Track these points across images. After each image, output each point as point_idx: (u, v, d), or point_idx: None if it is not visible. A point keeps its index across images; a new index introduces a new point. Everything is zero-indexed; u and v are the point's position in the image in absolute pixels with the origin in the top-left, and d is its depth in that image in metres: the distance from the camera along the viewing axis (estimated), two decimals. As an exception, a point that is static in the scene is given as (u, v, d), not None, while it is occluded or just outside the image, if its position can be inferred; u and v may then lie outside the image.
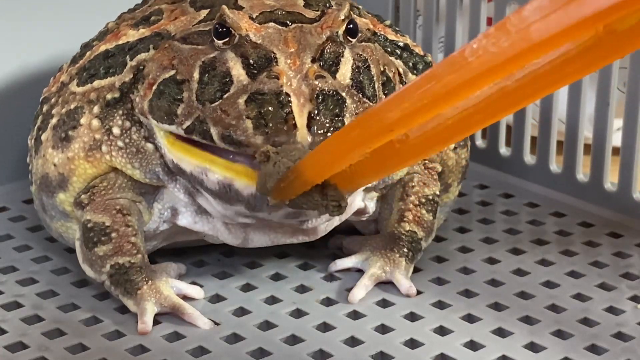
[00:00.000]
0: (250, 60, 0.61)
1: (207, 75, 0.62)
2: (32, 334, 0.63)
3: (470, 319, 0.64)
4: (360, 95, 0.62)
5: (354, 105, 0.61)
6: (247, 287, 0.68)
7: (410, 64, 0.71)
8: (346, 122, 0.60)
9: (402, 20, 0.89)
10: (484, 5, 0.82)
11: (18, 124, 0.80)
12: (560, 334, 0.63)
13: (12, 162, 0.83)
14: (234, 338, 0.63)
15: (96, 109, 0.67)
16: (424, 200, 0.69)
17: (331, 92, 0.60)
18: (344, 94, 0.61)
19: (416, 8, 0.89)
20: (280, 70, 0.60)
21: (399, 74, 0.68)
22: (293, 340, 0.62)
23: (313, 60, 0.61)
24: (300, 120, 0.59)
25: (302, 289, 0.68)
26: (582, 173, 0.80)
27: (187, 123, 0.62)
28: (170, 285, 0.66)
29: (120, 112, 0.66)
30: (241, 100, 0.60)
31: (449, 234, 0.75)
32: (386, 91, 0.64)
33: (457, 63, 0.43)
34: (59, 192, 0.68)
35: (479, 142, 0.86)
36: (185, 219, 0.67)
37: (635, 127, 0.74)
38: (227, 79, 0.61)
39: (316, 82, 0.60)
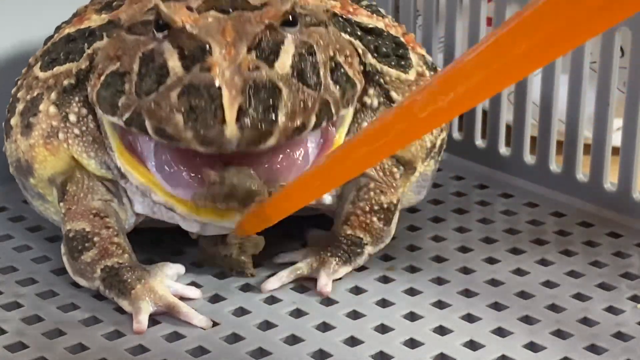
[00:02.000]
0: (186, 52, 0.60)
1: (145, 67, 0.62)
2: (31, 334, 0.63)
3: (470, 318, 0.64)
4: (301, 84, 0.61)
5: (292, 95, 0.60)
6: (246, 287, 0.68)
7: (372, 46, 0.69)
8: (280, 113, 0.59)
9: (402, 20, 0.89)
10: (484, 5, 0.82)
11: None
12: (560, 334, 0.63)
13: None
14: (234, 338, 0.63)
15: (54, 95, 0.68)
16: (376, 207, 0.69)
17: (265, 83, 0.59)
18: (280, 84, 0.60)
19: (416, 8, 0.89)
20: (213, 61, 0.59)
21: (358, 55, 0.67)
22: (293, 340, 0.62)
23: (249, 50, 0.60)
24: (230, 113, 0.58)
25: (301, 289, 0.68)
26: (582, 173, 0.80)
27: (127, 115, 0.62)
28: (166, 285, 0.66)
29: (77, 98, 0.67)
30: (174, 93, 0.59)
31: (448, 233, 0.75)
32: (336, 76, 0.64)
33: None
34: (29, 176, 0.69)
35: (479, 142, 0.86)
36: (144, 209, 0.67)
37: (635, 127, 0.74)
38: (164, 71, 0.60)
39: (249, 74, 0.59)
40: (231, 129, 0.58)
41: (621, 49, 0.78)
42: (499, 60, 0.44)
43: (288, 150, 0.64)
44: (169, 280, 0.66)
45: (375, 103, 0.69)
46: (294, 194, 0.60)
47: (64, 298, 0.67)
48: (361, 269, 0.70)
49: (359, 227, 0.68)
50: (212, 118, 0.58)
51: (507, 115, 0.84)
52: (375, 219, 0.69)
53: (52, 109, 0.67)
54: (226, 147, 0.59)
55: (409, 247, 0.73)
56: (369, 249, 0.69)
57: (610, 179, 0.78)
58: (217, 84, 0.59)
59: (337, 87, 0.63)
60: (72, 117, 0.67)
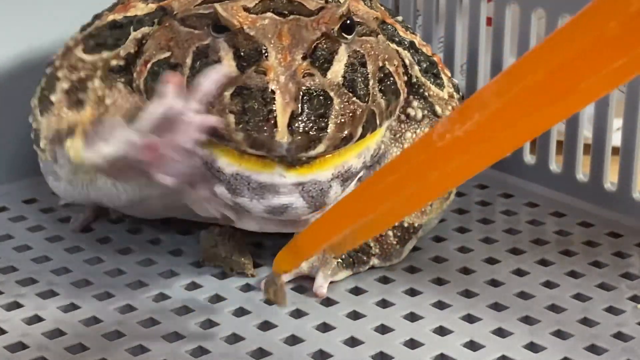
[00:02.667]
0: (242, 53, 0.60)
1: (199, 62, 0.62)
2: (32, 334, 0.63)
3: (470, 319, 0.64)
4: (351, 94, 0.61)
5: (342, 105, 0.60)
6: (247, 287, 0.68)
7: (415, 58, 0.69)
8: (330, 121, 0.59)
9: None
10: (484, 5, 0.82)
11: (17, 125, 0.80)
12: (560, 334, 0.63)
13: (11, 162, 0.83)
14: (234, 338, 0.63)
15: (100, 73, 0.68)
16: (397, 224, 0.69)
17: (318, 91, 0.59)
18: (332, 94, 0.60)
19: (416, 8, 0.89)
20: (268, 65, 0.59)
21: (404, 66, 0.67)
22: (293, 340, 0.62)
23: (304, 57, 0.60)
24: (282, 119, 0.58)
25: (301, 290, 0.68)
26: (582, 173, 0.80)
27: None
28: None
29: (123, 80, 0.67)
30: (227, 93, 0.59)
31: (449, 234, 0.75)
32: (383, 87, 0.63)
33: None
34: (67, 139, 0.67)
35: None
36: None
37: (635, 127, 0.74)
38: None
39: (304, 80, 0.59)
40: (282, 135, 0.58)
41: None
42: (515, 88, 0.43)
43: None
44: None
45: (420, 115, 0.68)
46: (325, 226, 0.56)
47: (64, 298, 0.67)
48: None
49: (372, 237, 0.69)
50: (265, 121, 0.58)
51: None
52: (390, 233, 0.69)
53: (98, 83, 0.68)
54: (275, 150, 0.59)
55: (409, 247, 0.73)
56: (374, 261, 0.69)
57: (610, 179, 0.78)
58: (271, 88, 0.59)
59: (384, 98, 0.63)
60: (115, 92, 0.67)
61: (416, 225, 0.70)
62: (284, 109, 0.58)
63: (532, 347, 0.62)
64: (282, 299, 0.61)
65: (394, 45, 0.68)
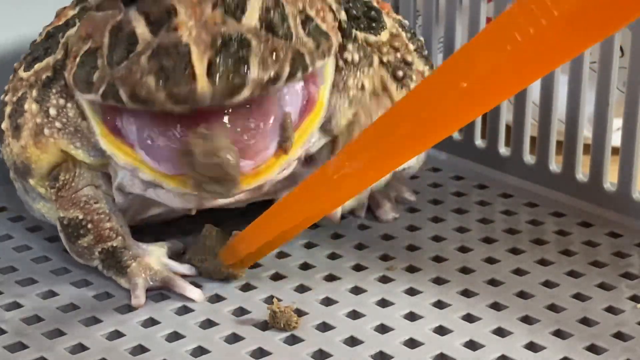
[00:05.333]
0: (152, 17, 0.60)
1: (115, 38, 0.62)
2: (31, 334, 0.63)
3: (469, 318, 0.64)
4: (271, 35, 0.61)
5: (262, 46, 0.60)
6: (246, 287, 0.68)
7: (343, 5, 0.69)
8: (251, 64, 0.59)
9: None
10: (484, 5, 0.82)
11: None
12: (559, 334, 0.63)
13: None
14: (234, 338, 0.63)
15: (35, 92, 0.68)
16: None
17: (233, 36, 0.59)
18: (249, 36, 0.60)
19: (416, 8, 0.89)
20: (179, 21, 0.59)
21: (332, 11, 0.67)
22: (292, 340, 0.62)
23: (214, 7, 0.60)
24: (200, 68, 0.58)
25: (301, 289, 0.68)
26: (582, 173, 0.80)
27: (102, 89, 0.61)
28: (161, 262, 0.68)
29: (54, 90, 0.67)
30: (144, 57, 0.59)
31: (448, 233, 0.75)
32: (307, 28, 0.63)
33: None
34: (28, 178, 0.70)
35: (479, 142, 0.86)
36: (135, 188, 0.68)
37: (635, 127, 0.74)
38: (133, 39, 0.61)
39: (216, 28, 0.59)
40: (202, 84, 0.58)
41: (621, 49, 0.78)
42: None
43: (265, 111, 0.63)
44: (165, 258, 0.69)
45: (357, 57, 0.69)
46: (253, 234, 0.65)
47: (64, 298, 0.67)
48: (360, 268, 0.70)
49: None
50: (183, 75, 0.58)
51: (506, 115, 0.84)
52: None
53: (35, 107, 0.68)
54: (199, 102, 0.58)
55: (409, 247, 0.73)
56: None
57: (610, 179, 0.78)
58: (184, 42, 0.59)
59: (311, 39, 0.63)
60: (52, 111, 0.67)
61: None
62: (200, 59, 0.58)
63: (532, 346, 0.61)
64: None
65: None
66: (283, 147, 0.63)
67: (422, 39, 0.75)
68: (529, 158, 0.83)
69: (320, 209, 0.62)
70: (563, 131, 0.80)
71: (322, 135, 0.69)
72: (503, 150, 0.84)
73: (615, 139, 0.77)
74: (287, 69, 0.61)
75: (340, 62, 0.68)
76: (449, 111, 0.51)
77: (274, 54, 0.60)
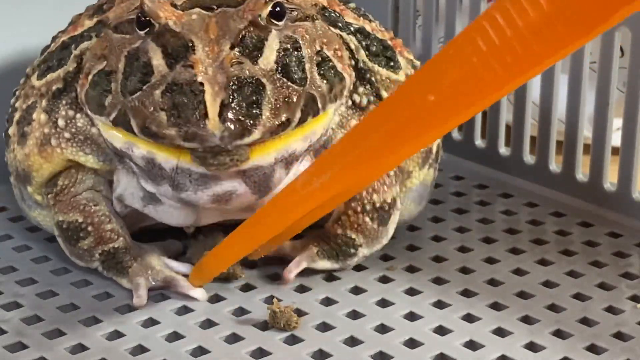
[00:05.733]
0: (169, 50, 0.60)
1: (130, 65, 0.62)
2: (31, 334, 0.63)
3: (469, 318, 0.64)
4: (285, 80, 0.61)
5: (276, 91, 0.60)
6: (246, 287, 0.68)
7: (363, 43, 0.69)
8: (263, 107, 0.59)
9: (402, 20, 0.89)
10: (484, 5, 0.82)
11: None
12: (559, 334, 0.63)
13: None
14: (233, 338, 0.63)
15: (44, 103, 0.68)
16: (368, 207, 0.68)
17: (248, 78, 0.59)
18: (264, 80, 0.60)
19: (416, 8, 0.89)
20: (195, 59, 0.59)
21: (350, 50, 0.67)
22: (292, 340, 0.62)
23: (232, 47, 0.60)
24: (212, 109, 0.58)
25: (301, 289, 0.68)
26: (582, 173, 0.80)
27: (113, 115, 0.62)
28: (162, 262, 0.68)
29: (64, 102, 0.67)
30: (157, 91, 0.60)
31: (448, 233, 0.75)
32: (323, 70, 0.63)
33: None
34: (27, 185, 0.70)
35: (479, 142, 0.86)
36: (134, 203, 0.68)
37: (635, 127, 0.74)
38: (148, 69, 0.61)
39: (232, 69, 0.59)
40: (213, 124, 0.58)
41: (621, 49, 0.78)
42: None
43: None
44: (165, 258, 0.69)
45: (365, 102, 0.68)
46: (221, 254, 0.65)
47: (64, 298, 0.67)
48: (360, 268, 0.70)
49: (350, 227, 0.68)
50: (195, 114, 0.58)
51: (506, 115, 0.84)
52: (367, 219, 0.68)
53: (43, 117, 0.68)
54: (209, 141, 0.59)
55: (409, 247, 0.73)
56: (363, 251, 0.69)
57: (610, 179, 0.78)
58: (199, 80, 0.59)
59: (324, 81, 0.63)
60: (61, 122, 0.67)
61: (388, 200, 0.69)
62: (214, 99, 0.58)
63: (532, 346, 0.62)
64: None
65: (336, 30, 0.67)
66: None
67: None
68: (529, 158, 0.83)
69: (292, 226, 0.60)
70: (563, 131, 0.80)
71: (312, 159, 0.68)
72: (503, 150, 0.84)
73: (616, 139, 0.77)
74: (298, 115, 0.61)
75: (349, 102, 0.68)
76: (417, 124, 0.50)
77: (287, 99, 0.60)
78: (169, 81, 0.59)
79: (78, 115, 0.67)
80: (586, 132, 0.79)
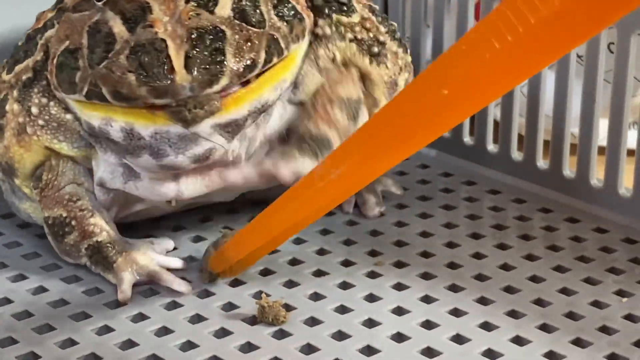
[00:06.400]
0: (127, 15, 0.62)
1: (93, 38, 0.63)
2: (22, 329, 0.63)
3: (456, 313, 0.65)
4: (244, 24, 0.62)
5: (237, 35, 0.62)
6: (235, 282, 0.69)
7: None
8: (228, 54, 0.61)
9: (391, 18, 0.90)
10: (471, 3, 0.83)
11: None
12: (545, 328, 0.63)
13: None
14: (222, 332, 0.63)
15: (16, 93, 0.69)
16: (335, 100, 0.69)
17: (207, 27, 0.61)
18: (223, 27, 0.61)
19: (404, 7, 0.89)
20: (154, 18, 0.61)
21: None
22: (281, 334, 0.63)
23: (187, 1, 0.62)
24: (178, 62, 0.60)
25: (290, 284, 0.68)
26: (569, 169, 0.80)
27: (85, 89, 0.63)
28: (149, 256, 0.68)
29: (36, 90, 0.68)
30: (123, 55, 0.61)
31: (436, 229, 0.76)
32: (281, 12, 0.65)
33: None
34: (13, 177, 0.71)
35: (467, 139, 0.86)
36: (115, 183, 0.69)
37: (621, 124, 0.75)
38: (111, 38, 0.62)
39: (190, 22, 0.61)
40: (181, 76, 0.60)
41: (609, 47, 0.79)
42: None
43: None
44: (152, 253, 0.69)
45: (328, 31, 0.70)
46: (241, 241, 0.66)
47: (54, 294, 0.68)
48: (349, 264, 0.71)
49: (322, 121, 0.69)
50: (162, 69, 0.60)
51: (494, 111, 0.85)
52: (337, 110, 0.69)
53: (16, 107, 0.69)
54: (180, 93, 0.60)
55: (397, 243, 0.74)
56: (336, 144, 0.69)
57: (597, 176, 0.79)
58: (160, 37, 0.60)
59: (284, 22, 0.65)
60: (34, 110, 0.68)
61: (355, 97, 0.70)
62: (177, 52, 0.60)
63: (518, 340, 0.62)
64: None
65: None
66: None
67: (394, 23, 0.76)
68: (516, 155, 0.83)
69: (308, 216, 0.62)
70: (550, 129, 0.80)
71: (290, 102, 0.69)
72: (491, 147, 0.85)
73: (603, 136, 0.78)
74: (262, 56, 0.62)
75: (311, 37, 0.69)
76: (432, 117, 0.52)
77: (249, 42, 0.62)
78: (132, 44, 0.61)
79: (52, 103, 0.68)
80: (574, 129, 0.79)
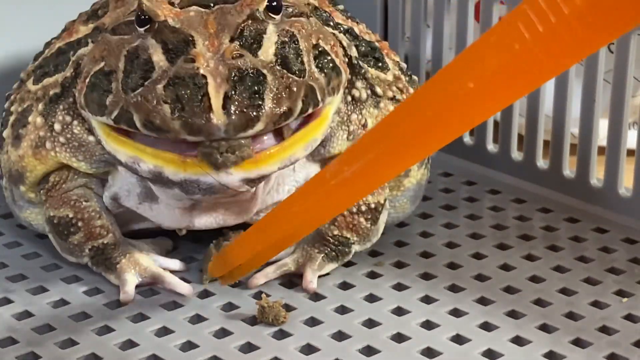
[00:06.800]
0: (169, 45, 0.61)
1: (131, 64, 0.62)
2: (22, 330, 0.63)
3: (456, 313, 0.65)
4: (285, 71, 0.61)
5: (277, 81, 0.61)
6: (235, 284, 0.68)
7: (353, 44, 0.70)
8: (266, 98, 0.60)
9: (391, 24, 0.90)
10: (471, 4, 0.83)
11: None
12: (545, 328, 0.63)
13: None
14: (222, 333, 0.63)
15: (41, 106, 0.69)
16: (364, 208, 0.69)
17: (249, 70, 0.60)
18: (264, 71, 0.60)
19: (404, 16, 0.89)
20: (197, 52, 0.60)
21: (343, 47, 0.68)
22: (281, 334, 0.63)
23: (232, 40, 0.61)
24: (216, 101, 0.59)
25: (290, 285, 0.68)
26: (569, 169, 0.80)
27: (115, 113, 0.62)
28: (151, 258, 0.69)
29: (61, 107, 0.68)
30: (160, 85, 0.60)
31: (436, 229, 0.76)
32: (321, 63, 0.64)
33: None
34: (19, 184, 0.71)
35: (467, 139, 0.86)
36: (129, 201, 0.69)
37: (621, 124, 0.75)
38: (149, 66, 0.61)
39: (233, 62, 0.60)
40: (218, 116, 0.58)
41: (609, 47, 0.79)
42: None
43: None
44: (153, 254, 0.69)
45: (364, 95, 0.69)
46: (245, 243, 0.62)
47: (54, 294, 0.68)
48: (349, 264, 0.71)
49: (346, 227, 0.69)
50: (199, 106, 0.59)
51: (494, 112, 0.84)
52: (362, 219, 0.69)
53: (39, 120, 0.69)
54: (214, 134, 0.59)
55: (397, 243, 0.74)
56: (356, 248, 0.70)
57: (597, 175, 0.79)
58: (201, 73, 0.59)
59: (322, 74, 0.64)
60: (57, 126, 0.68)
61: (382, 201, 0.70)
62: (217, 91, 0.59)
63: (518, 340, 0.62)
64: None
65: (328, 29, 0.68)
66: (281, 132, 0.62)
67: (416, 78, 0.75)
68: (516, 155, 0.83)
69: (317, 216, 0.59)
70: (550, 128, 0.80)
71: (312, 159, 0.69)
72: (491, 147, 0.85)
73: (603, 135, 0.78)
74: (299, 105, 0.61)
75: (348, 98, 0.69)
76: (455, 112, 0.49)
77: (288, 89, 0.61)
78: (171, 75, 0.60)
79: (75, 122, 0.67)
80: (574, 129, 0.79)
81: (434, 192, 0.82)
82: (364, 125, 0.69)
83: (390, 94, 0.70)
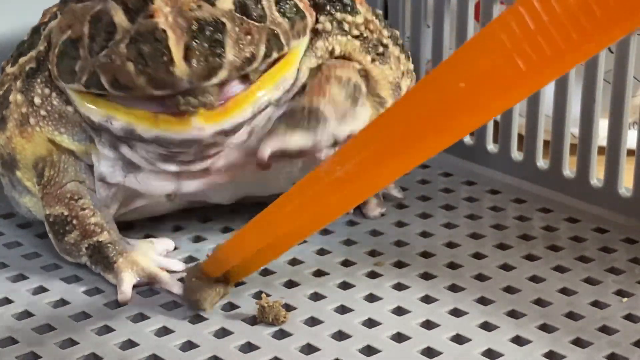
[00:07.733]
0: (129, 5, 0.62)
1: (95, 28, 0.63)
2: (22, 330, 0.63)
3: (456, 313, 0.65)
4: (244, 17, 0.62)
5: (237, 28, 0.62)
6: (235, 283, 0.68)
7: None
8: (227, 47, 0.61)
9: (391, 18, 0.90)
10: (472, 4, 0.83)
11: None
12: (545, 328, 0.63)
13: None
14: (222, 332, 0.63)
15: (19, 84, 0.70)
16: (333, 78, 0.68)
17: (208, 20, 0.61)
18: (224, 19, 0.61)
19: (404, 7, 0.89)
20: (155, 8, 0.61)
21: None
22: (281, 334, 0.63)
23: None
24: (177, 53, 0.60)
25: (290, 284, 0.68)
26: (569, 169, 0.80)
27: (84, 78, 0.63)
28: (149, 258, 0.68)
29: (39, 80, 0.69)
30: (123, 44, 0.61)
31: (436, 229, 0.76)
32: (283, 8, 0.65)
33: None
34: (14, 170, 0.71)
35: (467, 139, 0.86)
36: (116, 177, 0.69)
37: (621, 124, 0.75)
38: (112, 28, 0.62)
39: (192, 13, 0.61)
40: (180, 67, 0.60)
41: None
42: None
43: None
44: (152, 254, 0.69)
45: (328, 27, 0.70)
46: (236, 244, 0.63)
47: (54, 294, 0.68)
48: (349, 264, 0.71)
49: (317, 95, 0.68)
50: (161, 60, 0.60)
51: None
52: (336, 88, 0.68)
53: (19, 97, 0.70)
54: (178, 85, 0.61)
55: (397, 243, 0.74)
56: (332, 124, 0.68)
57: (597, 175, 0.79)
58: (160, 27, 0.60)
59: (285, 19, 0.65)
60: (37, 100, 0.69)
61: (357, 80, 0.70)
62: (177, 43, 0.60)
63: (518, 340, 0.62)
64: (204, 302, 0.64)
65: None
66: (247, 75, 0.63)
67: (397, 31, 0.76)
68: (516, 155, 0.83)
69: (313, 218, 0.59)
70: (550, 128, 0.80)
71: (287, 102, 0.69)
72: (491, 147, 0.85)
73: (603, 135, 0.78)
74: (262, 50, 0.63)
75: (311, 34, 0.69)
76: (446, 111, 0.49)
77: (249, 36, 0.62)
78: (133, 33, 0.61)
79: (54, 94, 0.68)
80: (574, 129, 0.79)
81: (434, 192, 0.82)
82: (332, 52, 0.70)
83: (356, 32, 0.71)
